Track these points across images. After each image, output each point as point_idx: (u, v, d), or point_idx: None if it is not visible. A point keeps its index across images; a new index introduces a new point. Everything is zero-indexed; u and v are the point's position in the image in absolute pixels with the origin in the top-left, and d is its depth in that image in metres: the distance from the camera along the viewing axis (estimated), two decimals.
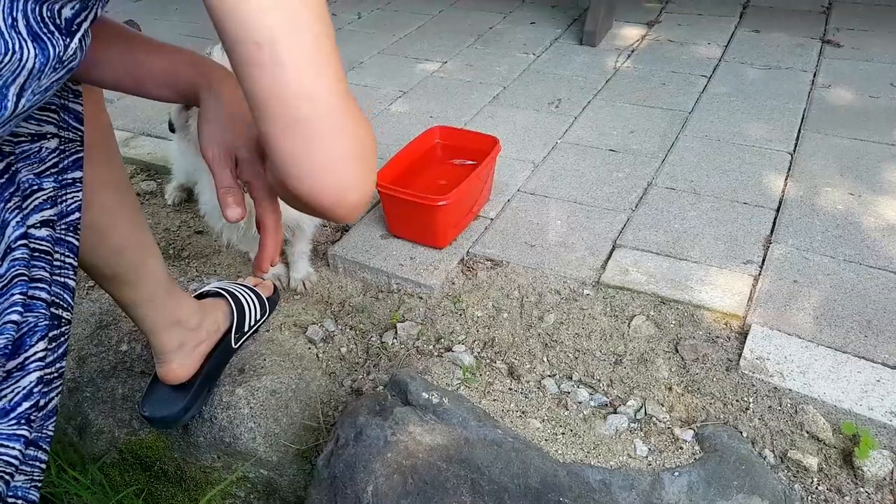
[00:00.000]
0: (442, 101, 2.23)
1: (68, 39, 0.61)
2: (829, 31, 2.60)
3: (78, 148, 0.80)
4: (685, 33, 2.65)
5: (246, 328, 1.34)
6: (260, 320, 1.39)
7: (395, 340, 1.38)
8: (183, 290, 1.22)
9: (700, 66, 2.38)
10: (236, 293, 1.34)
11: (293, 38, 0.56)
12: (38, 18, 0.58)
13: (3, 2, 0.55)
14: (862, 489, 1.07)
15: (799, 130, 1.96)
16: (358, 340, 1.41)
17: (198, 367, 1.24)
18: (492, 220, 1.64)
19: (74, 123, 0.80)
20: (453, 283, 1.48)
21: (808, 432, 1.13)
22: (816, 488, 1.08)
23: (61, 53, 0.61)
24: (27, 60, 0.58)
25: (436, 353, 1.34)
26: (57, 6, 0.59)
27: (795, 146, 1.88)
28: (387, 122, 2.12)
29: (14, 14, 0.56)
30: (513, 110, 2.15)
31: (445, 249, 1.55)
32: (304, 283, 1.52)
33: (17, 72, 0.58)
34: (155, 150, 2.03)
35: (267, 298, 1.41)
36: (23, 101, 0.60)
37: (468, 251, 1.55)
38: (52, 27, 0.59)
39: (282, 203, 0.76)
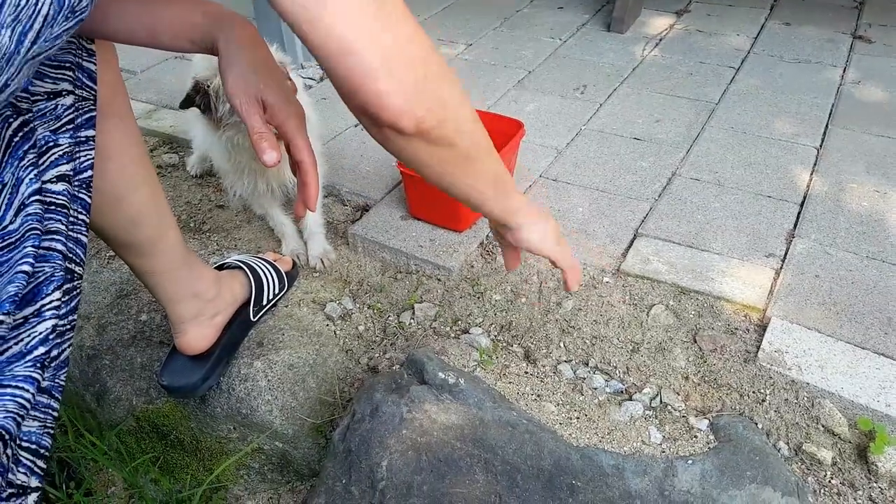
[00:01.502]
0: (466, 84, 2.22)
1: None
2: (860, 26, 2.55)
3: (91, 106, 0.82)
4: (714, 23, 2.62)
5: (264, 302, 1.35)
6: (279, 295, 1.40)
7: (412, 321, 1.39)
8: (201, 261, 1.23)
9: (728, 58, 2.35)
10: (255, 267, 1.35)
11: None
12: None
13: None
14: (875, 484, 1.06)
15: (826, 126, 1.93)
16: (375, 319, 1.42)
17: (215, 338, 1.25)
18: None
19: (88, 82, 0.81)
20: (472, 267, 1.48)
21: (823, 426, 1.13)
22: (830, 482, 1.07)
23: (74, 3, 0.62)
24: (42, 6, 0.59)
25: (452, 335, 1.34)
26: None
27: (822, 141, 1.86)
28: None
29: None
30: (537, 95, 2.14)
31: (465, 233, 1.55)
32: (322, 261, 1.53)
33: (33, 16, 0.59)
34: (177, 123, 2.04)
35: (286, 273, 1.42)
36: (35, 47, 0.62)
37: (488, 235, 1.55)
38: None
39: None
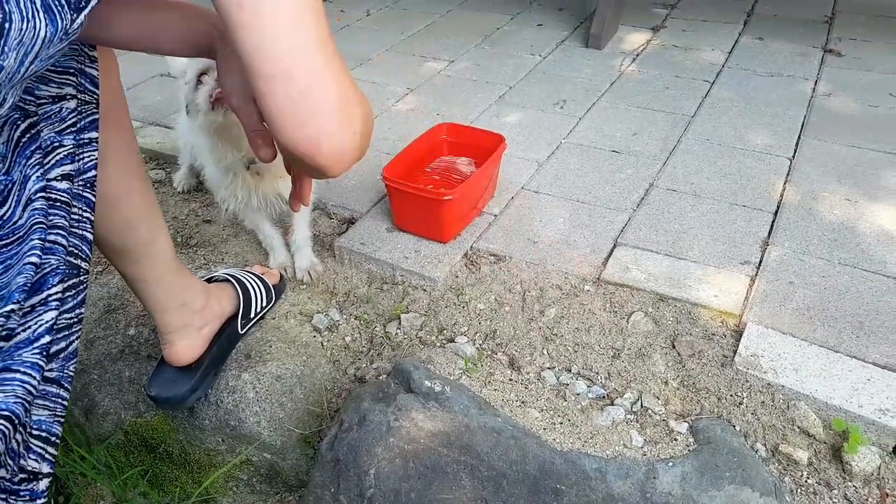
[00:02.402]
0: (448, 99, 2.26)
1: (75, 15, 0.66)
2: (830, 40, 2.63)
3: (94, 110, 0.85)
4: (690, 39, 2.69)
5: (252, 314, 1.37)
6: (266, 307, 1.41)
7: (398, 331, 1.41)
8: (190, 272, 1.25)
9: (704, 72, 2.41)
10: (243, 280, 1.37)
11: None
12: None
13: None
14: (850, 483, 1.10)
15: (799, 137, 1.99)
16: (362, 330, 1.44)
17: (203, 349, 1.26)
18: (496, 216, 1.67)
19: (90, 87, 0.85)
20: (457, 277, 1.51)
21: (799, 427, 1.17)
22: (806, 481, 1.11)
23: (67, 27, 0.66)
24: (40, 30, 0.63)
25: (438, 344, 1.37)
26: None
27: (795, 152, 1.91)
28: (393, 118, 2.16)
29: None
30: (518, 110, 2.18)
31: (450, 243, 1.58)
32: (309, 273, 1.55)
33: (33, 39, 0.62)
34: (163, 140, 2.06)
35: (273, 286, 1.44)
36: (33, 66, 0.65)
37: (472, 246, 1.58)
38: (62, 1, 0.64)
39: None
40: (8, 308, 0.70)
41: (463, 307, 1.44)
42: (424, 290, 1.49)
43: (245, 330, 1.37)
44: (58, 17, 0.64)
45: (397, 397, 1.19)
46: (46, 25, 0.63)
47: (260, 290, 1.39)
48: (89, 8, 0.67)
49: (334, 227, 1.70)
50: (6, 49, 0.60)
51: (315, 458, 1.27)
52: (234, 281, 1.36)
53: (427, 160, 1.76)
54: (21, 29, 0.61)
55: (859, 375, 1.22)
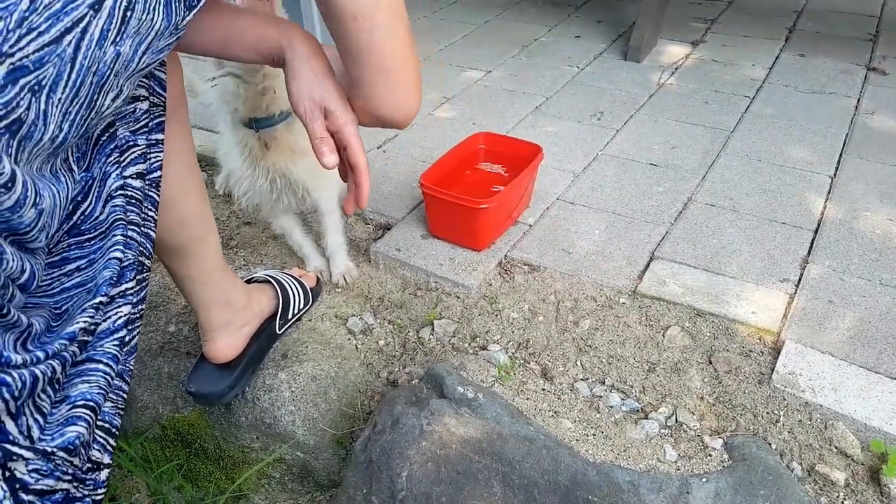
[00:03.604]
0: (485, 109, 2.27)
1: (187, 12, 0.72)
2: (874, 58, 2.59)
3: (161, 112, 0.88)
4: (730, 54, 2.67)
5: (290, 315, 1.39)
6: (303, 309, 1.44)
7: (431, 336, 1.42)
8: (233, 272, 1.27)
9: (744, 87, 2.39)
10: (282, 281, 1.40)
11: (378, 12, 0.78)
12: None
13: None
14: None
15: (840, 155, 1.96)
16: (396, 334, 1.46)
17: (243, 347, 1.29)
18: (530, 226, 1.68)
19: (159, 89, 0.88)
20: (490, 285, 1.52)
21: (836, 447, 1.15)
22: (842, 502, 1.09)
23: (179, 22, 0.71)
24: (156, 22, 0.68)
25: (471, 351, 1.37)
26: None
27: (836, 170, 1.89)
28: (431, 126, 2.18)
29: None
30: (555, 121, 2.18)
31: (484, 252, 1.59)
32: (344, 278, 1.57)
33: (149, 30, 0.68)
34: (205, 143, 2.10)
35: (311, 289, 1.46)
36: (145, 58, 0.70)
37: (506, 255, 1.59)
38: None
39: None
40: (97, 300, 0.74)
41: (496, 315, 1.45)
42: (458, 298, 1.50)
43: (283, 330, 1.39)
44: (173, 12, 0.70)
45: (430, 402, 1.20)
46: (163, 19, 0.69)
47: (298, 292, 1.41)
48: (199, 6, 0.73)
49: (370, 233, 1.72)
50: (124, 36, 0.65)
51: (347, 458, 1.28)
52: (273, 282, 1.38)
53: (464, 168, 1.77)
54: (140, 19, 0.66)
55: None
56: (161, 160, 0.88)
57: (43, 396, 0.66)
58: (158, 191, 0.88)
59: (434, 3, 3.32)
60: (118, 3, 0.63)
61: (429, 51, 2.78)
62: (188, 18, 0.73)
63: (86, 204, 0.76)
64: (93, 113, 0.67)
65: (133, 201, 0.81)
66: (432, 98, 2.37)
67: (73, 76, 0.62)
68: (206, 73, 1.38)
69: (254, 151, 1.38)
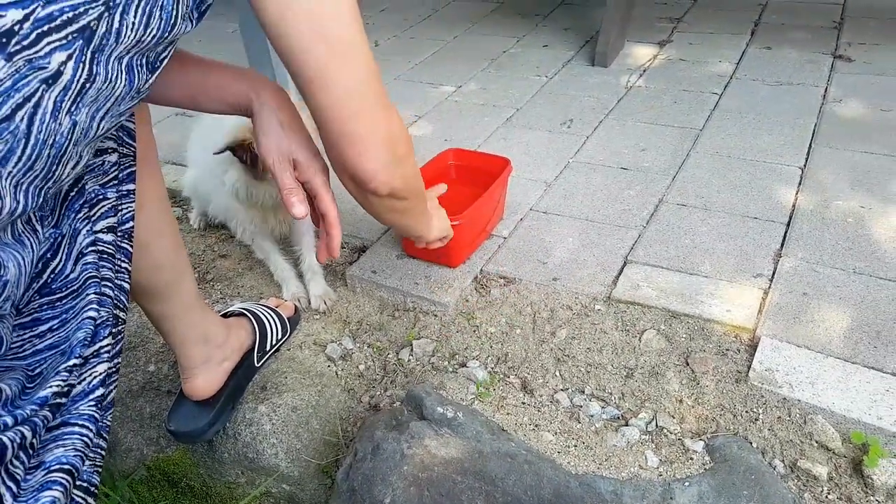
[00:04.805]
0: (457, 124, 2.28)
1: (150, 75, 0.72)
2: (840, 45, 2.62)
3: (132, 162, 0.88)
4: (697, 52, 2.69)
5: (268, 347, 1.39)
6: (281, 339, 1.43)
7: (411, 357, 1.42)
8: (211, 308, 1.27)
9: (711, 84, 2.41)
10: (259, 313, 1.39)
11: (340, 68, 0.78)
12: (138, 59, 0.69)
13: (122, 44, 0.66)
14: (872, 497, 1.08)
15: (810, 145, 1.98)
16: (375, 357, 1.45)
17: (222, 383, 1.28)
18: (505, 238, 1.68)
19: (128, 140, 0.88)
20: (467, 301, 1.52)
21: (817, 442, 1.15)
22: (826, 497, 1.09)
23: (141, 86, 0.71)
24: (118, 88, 0.68)
25: (450, 369, 1.37)
26: (156, 51, 0.71)
27: (806, 160, 1.90)
28: None
29: (125, 54, 0.67)
30: (526, 131, 2.20)
31: (459, 268, 1.59)
32: (324, 301, 1.57)
33: (108, 97, 0.67)
34: (179, 178, 2.10)
35: (288, 318, 1.46)
36: (104, 123, 0.70)
37: (481, 269, 1.59)
38: (143, 63, 0.70)
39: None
40: (71, 363, 0.73)
41: (474, 331, 1.45)
42: (435, 316, 1.50)
43: (261, 363, 1.39)
44: (136, 76, 0.69)
45: (410, 425, 1.20)
46: (124, 85, 0.68)
47: (275, 322, 1.41)
48: (162, 68, 0.73)
49: (346, 256, 1.72)
50: (80, 105, 0.64)
51: (332, 487, 1.28)
52: (250, 315, 1.38)
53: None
54: (100, 88, 0.65)
55: (877, 386, 1.21)
56: (133, 210, 0.87)
57: (16, 463, 0.65)
58: (131, 242, 0.87)
59: (404, 21, 3.34)
60: (77, 76, 0.63)
61: (399, 69, 2.79)
62: (150, 81, 0.72)
63: (56, 261, 0.75)
64: (50, 183, 0.67)
65: (105, 256, 0.80)
66: (405, 116, 2.36)
67: (28, 150, 0.61)
68: None
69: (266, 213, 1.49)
